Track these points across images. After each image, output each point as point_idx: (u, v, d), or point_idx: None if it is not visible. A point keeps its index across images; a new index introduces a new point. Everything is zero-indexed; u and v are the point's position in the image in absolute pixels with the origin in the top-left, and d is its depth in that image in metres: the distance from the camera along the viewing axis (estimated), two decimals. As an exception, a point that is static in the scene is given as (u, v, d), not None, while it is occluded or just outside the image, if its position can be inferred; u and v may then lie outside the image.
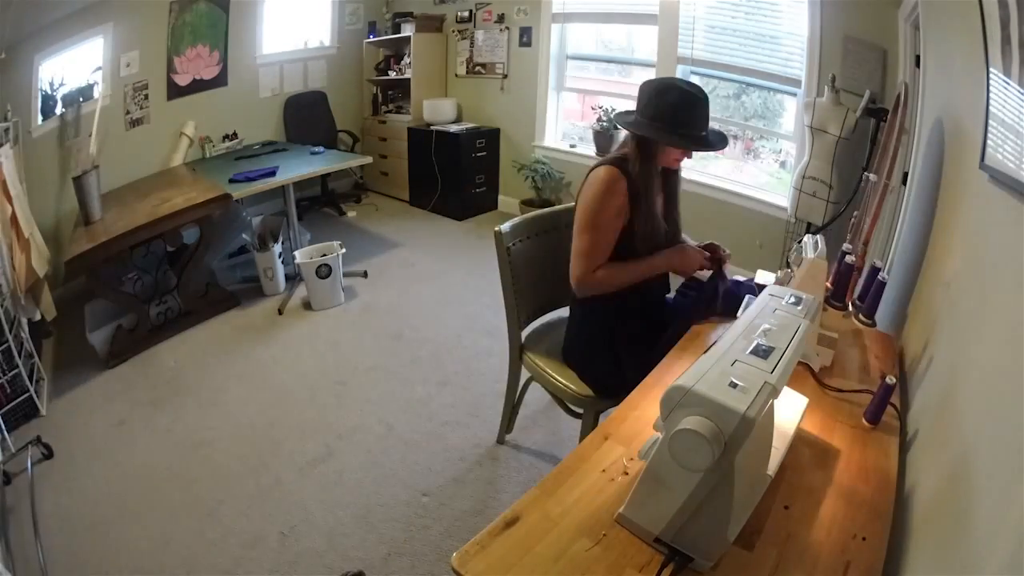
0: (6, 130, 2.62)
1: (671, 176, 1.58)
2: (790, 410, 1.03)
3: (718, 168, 3.62)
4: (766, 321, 0.90)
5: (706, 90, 1.45)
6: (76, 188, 2.70)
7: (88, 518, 1.77)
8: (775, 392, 0.74)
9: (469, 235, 4.21)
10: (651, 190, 1.47)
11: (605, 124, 3.76)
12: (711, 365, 0.78)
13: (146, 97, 3.65)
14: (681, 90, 1.40)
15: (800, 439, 1.01)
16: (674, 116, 1.40)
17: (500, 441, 2.05)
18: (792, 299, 0.99)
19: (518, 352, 1.77)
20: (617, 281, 1.50)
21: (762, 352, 0.81)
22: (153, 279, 2.81)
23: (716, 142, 1.45)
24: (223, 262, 3.46)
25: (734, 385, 0.73)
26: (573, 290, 1.54)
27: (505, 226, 1.67)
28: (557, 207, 1.85)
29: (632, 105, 1.53)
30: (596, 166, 1.50)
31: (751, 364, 0.79)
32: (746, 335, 0.86)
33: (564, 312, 1.80)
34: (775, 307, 0.97)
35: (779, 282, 1.37)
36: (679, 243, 1.63)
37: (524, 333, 1.79)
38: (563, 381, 1.62)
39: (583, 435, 1.60)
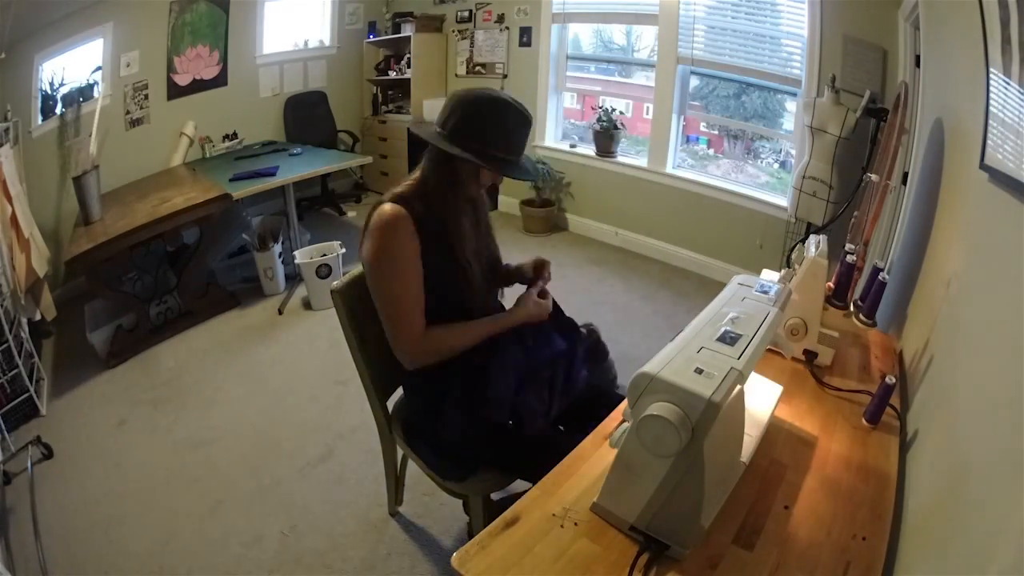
0: (6, 130, 2.62)
1: (476, 205, 1.35)
2: (764, 397, 1.03)
3: (718, 168, 3.62)
4: (734, 309, 0.90)
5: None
6: (76, 188, 2.70)
7: (88, 518, 1.77)
8: (742, 377, 0.75)
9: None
10: (459, 225, 1.23)
11: (605, 124, 3.76)
12: (677, 352, 0.79)
13: (146, 97, 3.65)
14: (517, 110, 1.18)
15: (800, 439, 1.01)
16: (507, 138, 1.18)
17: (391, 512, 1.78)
18: (761, 288, 1.00)
19: (386, 426, 1.48)
20: (455, 343, 1.23)
21: (729, 339, 0.82)
22: (153, 279, 2.81)
23: (531, 169, 1.27)
24: (223, 262, 3.46)
25: (700, 371, 0.74)
26: (404, 365, 1.25)
27: (344, 281, 1.35)
28: None
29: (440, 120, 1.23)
30: (375, 207, 1.22)
31: (717, 351, 0.79)
32: (713, 323, 0.87)
33: None
34: (744, 296, 0.97)
35: (783, 281, 1.37)
36: (504, 283, 1.44)
37: (391, 402, 1.50)
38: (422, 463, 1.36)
39: (475, 526, 1.35)
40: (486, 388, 1.20)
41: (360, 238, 1.24)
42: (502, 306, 1.46)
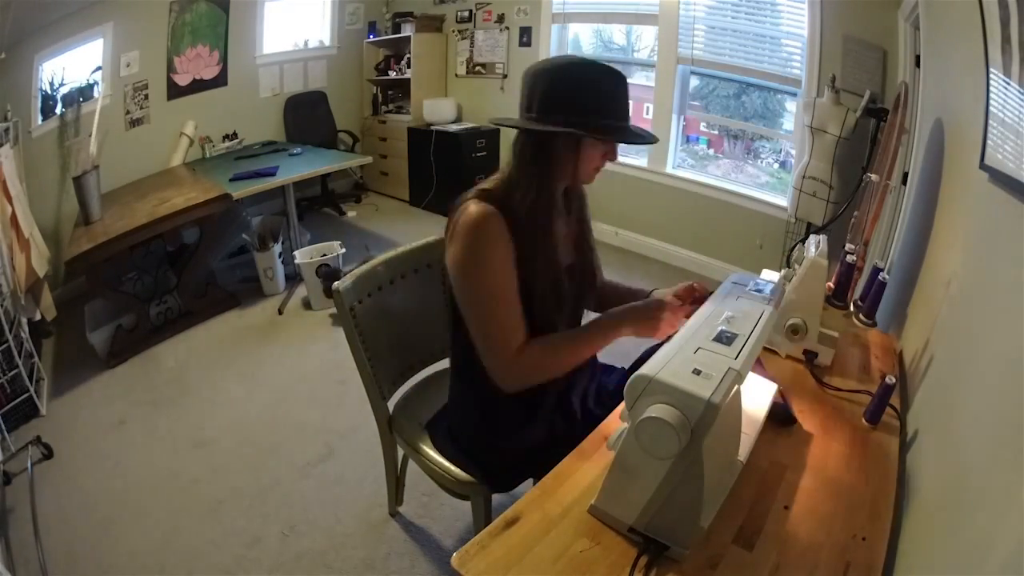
0: (6, 130, 2.62)
1: (574, 197, 1.17)
2: (759, 396, 1.03)
3: (718, 168, 3.62)
4: (729, 309, 0.90)
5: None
6: (76, 188, 2.70)
7: (88, 518, 1.77)
8: (740, 378, 0.75)
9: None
10: (549, 224, 1.06)
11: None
12: (674, 353, 0.79)
13: (146, 97, 3.65)
14: (608, 68, 1.00)
15: (800, 439, 1.01)
16: (611, 101, 1.00)
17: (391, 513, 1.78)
18: (755, 286, 1.00)
19: (387, 427, 1.47)
20: (560, 362, 1.08)
21: (726, 339, 0.82)
22: (153, 279, 2.81)
23: (645, 134, 1.05)
24: (223, 262, 3.46)
25: (698, 372, 0.74)
26: (500, 387, 1.06)
27: (346, 282, 1.31)
28: (412, 246, 1.50)
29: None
30: (455, 209, 1.06)
31: (714, 351, 0.79)
32: (709, 323, 0.87)
33: (437, 367, 1.57)
34: (738, 295, 0.97)
35: (782, 281, 1.37)
36: (621, 292, 1.25)
37: (392, 402, 1.49)
38: (442, 464, 1.29)
39: (477, 527, 1.29)
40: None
41: (445, 241, 1.07)
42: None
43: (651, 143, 1.04)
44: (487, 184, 1.08)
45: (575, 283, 1.15)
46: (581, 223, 1.19)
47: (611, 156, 1.05)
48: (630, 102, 1.04)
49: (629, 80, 1.07)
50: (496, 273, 1.02)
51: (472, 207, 1.02)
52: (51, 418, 2.24)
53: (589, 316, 1.19)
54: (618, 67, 1.02)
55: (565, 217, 1.14)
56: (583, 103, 0.98)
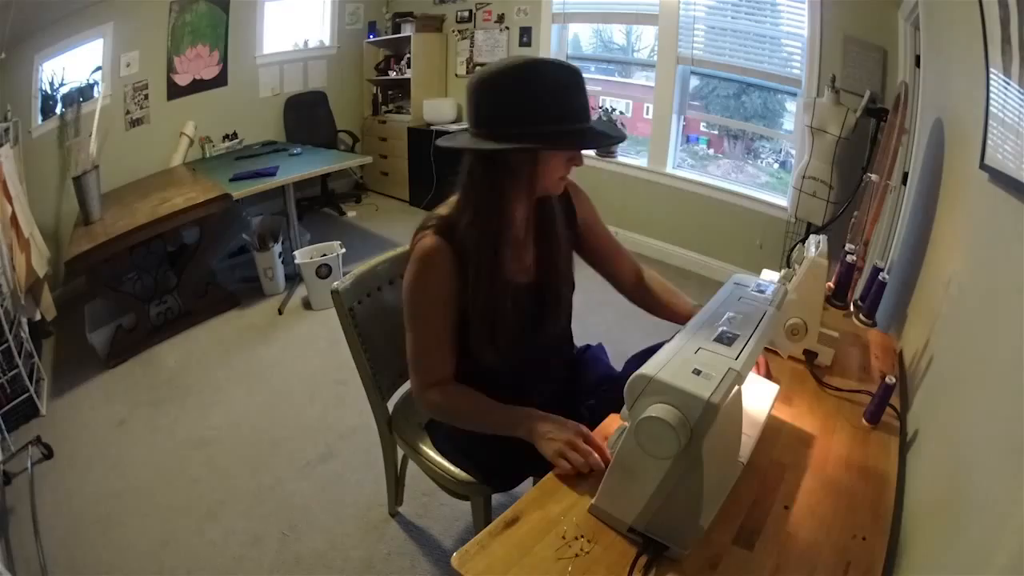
0: (6, 130, 2.62)
1: (543, 207, 1.08)
2: (761, 397, 1.03)
3: (718, 168, 3.62)
4: (731, 309, 0.90)
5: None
6: (76, 188, 2.70)
7: (88, 518, 1.77)
8: (740, 378, 0.74)
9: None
10: (496, 249, 1.00)
11: (605, 123, 3.76)
12: (674, 353, 0.78)
13: (146, 97, 3.65)
14: (555, 65, 0.92)
15: (800, 439, 1.01)
16: (560, 102, 0.91)
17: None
18: (758, 287, 1.00)
19: (387, 427, 1.47)
20: (462, 420, 1.09)
21: (726, 339, 0.82)
22: (153, 279, 2.81)
23: (612, 131, 0.99)
24: (223, 262, 3.46)
25: (698, 372, 0.74)
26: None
27: (345, 282, 1.33)
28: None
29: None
30: (417, 232, 1.05)
31: (715, 351, 0.79)
32: (710, 323, 0.86)
33: None
34: (740, 295, 0.97)
35: (782, 281, 1.37)
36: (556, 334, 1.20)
37: (392, 402, 1.49)
38: (441, 464, 1.29)
39: (477, 527, 1.29)
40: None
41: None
42: (569, 337, 1.32)
43: (618, 142, 0.96)
44: (446, 209, 1.05)
45: (536, 304, 1.10)
46: (549, 241, 1.10)
47: (577, 161, 0.98)
48: (588, 97, 0.95)
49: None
50: (428, 308, 1.03)
51: (425, 240, 1.00)
52: (51, 418, 2.24)
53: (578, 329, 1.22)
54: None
55: (531, 235, 1.08)
56: (534, 109, 0.89)
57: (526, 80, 0.90)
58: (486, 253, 1.00)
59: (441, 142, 1.02)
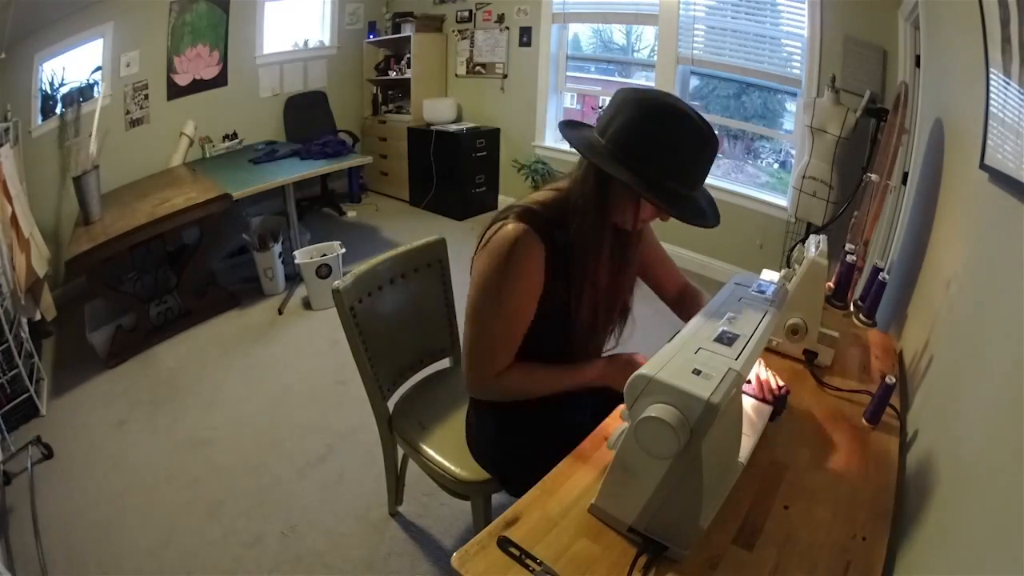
0: (6, 130, 2.62)
1: (623, 235, 1.08)
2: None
3: (718, 168, 3.62)
4: (731, 309, 0.90)
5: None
6: (76, 188, 2.70)
7: (88, 518, 1.77)
8: (740, 378, 0.75)
9: (469, 235, 4.20)
10: (600, 261, 1.04)
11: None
12: (675, 353, 0.78)
13: (146, 97, 3.65)
14: (702, 130, 0.92)
15: (800, 439, 1.01)
16: (686, 166, 0.93)
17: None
18: (758, 287, 1.00)
19: (387, 426, 1.48)
20: (527, 392, 1.11)
21: (727, 339, 0.82)
22: (153, 279, 2.81)
23: (709, 212, 0.98)
24: (223, 262, 3.46)
25: (698, 372, 0.74)
26: (466, 390, 1.15)
27: (347, 281, 1.34)
28: (412, 246, 1.52)
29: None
30: (498, 219, 1.04)
31: (715, 351, 0.79)
32: (710, 323, 0.87)
33: (437, 367, 1.60)
34: (740, 296, 0.97)
35: (783, 282, 1.37)
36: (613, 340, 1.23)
37: (392, 402, 1.50)
38: (442, 464, 1.30)
39: (477, 527, 1.30)
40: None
41: (475, 249, 1.06)
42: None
43: (709, 227, 0.96)
44: (539, 196, 1.06)
45: (607, 319, 1.16)
46: (623, 262, 1.12)
47: (664, 218, 1.00)
48: (709, 169, 0.97)
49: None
50: (514, 298, 1.02)
51: (511, 227, 0.99)
52: (51, 418, 2.24)
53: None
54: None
55: (610, 253, 1.08)
56: (657, 156, 0.91)
57: (677, 131, 0.91)
58: (591, 258, 1.02)
59: (564, 132, 1.01)
